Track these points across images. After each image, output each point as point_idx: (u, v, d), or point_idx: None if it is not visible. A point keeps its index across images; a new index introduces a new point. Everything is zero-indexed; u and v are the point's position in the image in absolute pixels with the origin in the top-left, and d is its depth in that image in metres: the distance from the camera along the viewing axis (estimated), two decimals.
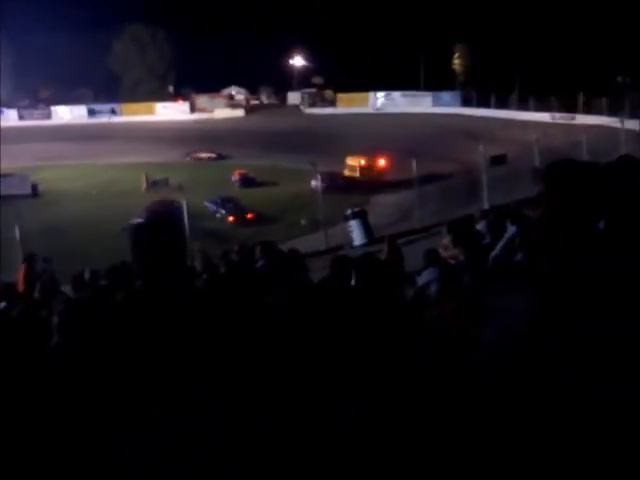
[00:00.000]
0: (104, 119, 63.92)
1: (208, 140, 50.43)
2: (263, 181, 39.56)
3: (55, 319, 4.10)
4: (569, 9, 52.18)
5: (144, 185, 38.88)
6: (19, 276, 9.80)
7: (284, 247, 10.92)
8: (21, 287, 9.31)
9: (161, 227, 2.47)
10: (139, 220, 2.58)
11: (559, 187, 2.20)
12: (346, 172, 39.06)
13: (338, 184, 35.27)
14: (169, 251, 2.42)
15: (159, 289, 2.41)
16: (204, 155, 47.93)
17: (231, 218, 31.04)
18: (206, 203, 32.06)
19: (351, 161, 39.72)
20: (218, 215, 31.70)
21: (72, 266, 10.04)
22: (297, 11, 67.56)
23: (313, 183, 35.33)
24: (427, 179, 25.56)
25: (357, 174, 38.52)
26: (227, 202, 32.62)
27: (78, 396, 2.53)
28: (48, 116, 63.97)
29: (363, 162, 39.14)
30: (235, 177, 40.39)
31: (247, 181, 39.66)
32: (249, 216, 31.10)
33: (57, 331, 4.01)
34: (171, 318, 2.35)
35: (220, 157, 47.60)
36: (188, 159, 47.41)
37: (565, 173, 2.24)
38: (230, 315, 2.61)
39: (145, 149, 48.58)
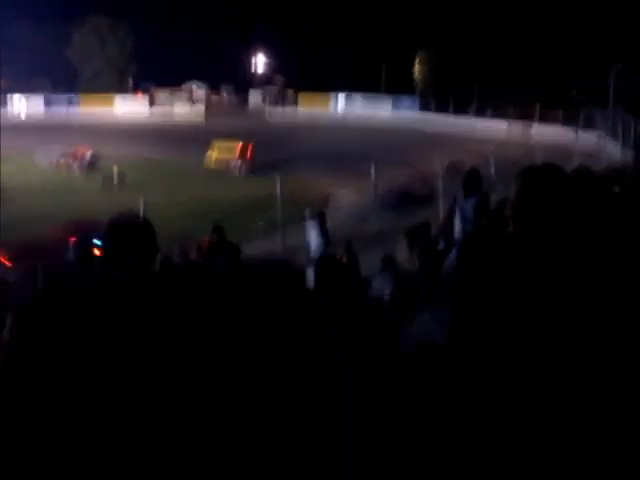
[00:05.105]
0: (62, 110, 62.87)
1: (166, 136, 49.91)
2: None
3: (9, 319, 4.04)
4: (528, 25, 53.07)
5: (101, 181, 38.41)
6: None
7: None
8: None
9: (134, 220, 2.57)
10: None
11: (535, 189, 2.31)
12: (214, 155, 41.44)
13: (256, 164, 39.13)
14: (142, 243, 2.50)
15: (135, 280, 2.48)
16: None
17: None
18: None
19: (220, 145, 42.04)
20: None
21: None
22: (260, 10, 67.34)
23: (232, 164, 39.92)
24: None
25: (229, 157, 40.88)
26: None
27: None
28: (3, 105, 62.62)
29: (235, 146, 41.77)
30: (84, 156, 42.08)
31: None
32: None
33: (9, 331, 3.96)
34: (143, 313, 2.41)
35: None
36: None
37: (543, 177, 2.35)
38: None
39: (103, 143, 47.84)
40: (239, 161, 40.83)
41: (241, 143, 42.56)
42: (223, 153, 42.03)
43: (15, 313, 4.12)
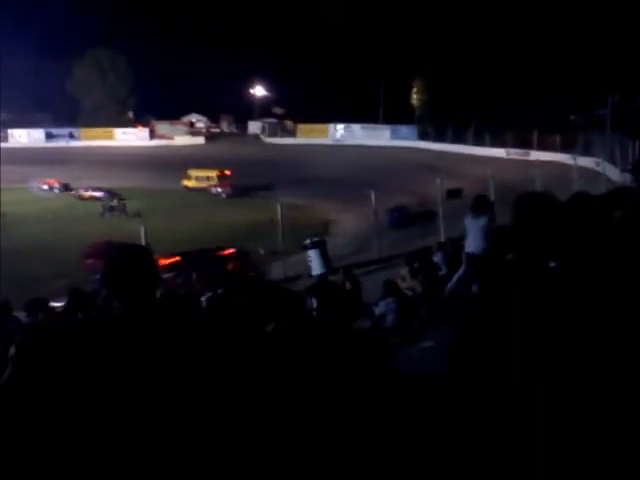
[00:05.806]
0: (62, 143, 63.31)
1: (166, 167, 50.14)
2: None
3: (12, 349, 3.99)
4: (527, 52, 53.45)
5: (100, 210, 38.62)
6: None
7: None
8: None
9: (137, 252, 2.56)
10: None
11: (527, 218, 2.31)
12: (190, 183, 46.08)
13: (239, 189, 43.35)
14: (144, 275, 2.49)
15: (136, 312, 2.46)
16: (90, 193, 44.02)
17: None
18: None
19: (198, 173, 46.59)
20: None
21: (22, 290, 9.80)
22: (259, 42, 67.97)
23: (219, 190, 44.67)
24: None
25: (209, 184, 45.44)
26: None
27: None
28: (5, 139, 63.04)
29: (214, 174, 46.03)
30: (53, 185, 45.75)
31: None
32: None
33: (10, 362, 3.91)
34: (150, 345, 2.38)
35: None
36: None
37: (534, 205, 2.35)
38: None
39: (103, 174, 48.14)
40: (218, 188, 45.01)
41: (218, 171, 46.10)
42: (199, 182, 45.82)
43: (16, 346, 4.06)
